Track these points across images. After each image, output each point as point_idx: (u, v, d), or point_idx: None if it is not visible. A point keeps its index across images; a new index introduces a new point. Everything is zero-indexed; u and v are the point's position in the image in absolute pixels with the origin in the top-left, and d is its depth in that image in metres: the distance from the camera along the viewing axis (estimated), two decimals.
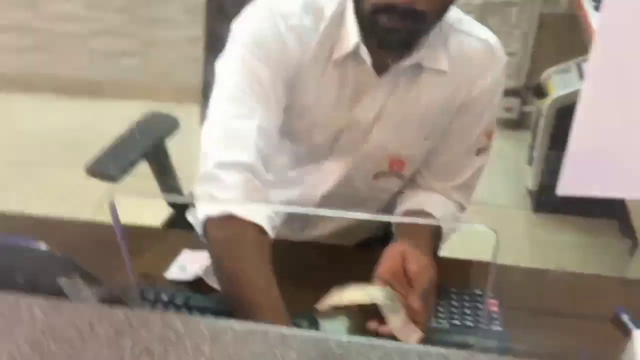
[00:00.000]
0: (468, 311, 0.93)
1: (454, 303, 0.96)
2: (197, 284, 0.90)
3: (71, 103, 2.71)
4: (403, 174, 1.01)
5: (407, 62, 0.88)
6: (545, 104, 1.94)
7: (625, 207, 1.89)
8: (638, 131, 0.32)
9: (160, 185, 1.28)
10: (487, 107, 0.95)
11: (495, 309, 0.93)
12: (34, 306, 0.48)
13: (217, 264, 0.83)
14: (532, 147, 2.11)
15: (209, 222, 0.81)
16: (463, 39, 0.92)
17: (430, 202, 0.99)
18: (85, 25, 2.64)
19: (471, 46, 0.92)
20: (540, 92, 2.01)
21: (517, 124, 2.45)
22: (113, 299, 0.48)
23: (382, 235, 1.12)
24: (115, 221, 0.49)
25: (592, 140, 0.33)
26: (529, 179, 2.15)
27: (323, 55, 0.89)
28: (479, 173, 1.01)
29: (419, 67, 0.90)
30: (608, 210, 2.06)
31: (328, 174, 1.01)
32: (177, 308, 0.87)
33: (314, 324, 0.76)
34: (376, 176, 1.01)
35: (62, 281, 0.50)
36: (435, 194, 1.02)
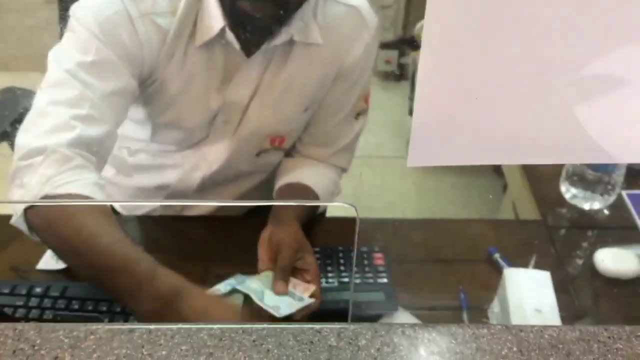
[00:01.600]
0: (356, 268, 0.96)
1: (342, 261, 0.98)
2: (73, 272, 0.84)
3: None
4: (283, 147, 1.01)
5: (278, 40, 0.85)
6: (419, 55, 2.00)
7: None
8: (475, 99, 0.33)
9: None
10: (362, 73, 0.95)
11: (380, 262, 0.96)
12: None
13: (59, 248, 0.73)
14: (410, 99, 2.19)
15: (29, 212, 0.70)
16: (332, 7, 0.90)
17: (309, 174, 1.00)
18: None
19: (341, 14, 0.91)
20: (414, 44, 2.07)
21: (396, 76, 2.52)
22: None
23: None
24: None
25: (433, 112, 0.33)
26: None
27: (183, 40, 0.83)
28: (358, 135, 1.03)
29: (290, 42, 0.88)
30: None
31: (208, 156, 0.98)
32: (54, 300, 0.82)
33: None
34: (258, 154, 1.00)
35: None
36: (314, 162, 1.02)
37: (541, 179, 1.14)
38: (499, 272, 0.90)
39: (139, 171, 1.02)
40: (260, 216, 1.09)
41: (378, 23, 0.95)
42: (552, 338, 0.43)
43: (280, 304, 0.73)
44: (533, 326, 0.43)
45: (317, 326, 0.44)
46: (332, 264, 0.97)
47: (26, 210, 0.70)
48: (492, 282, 0.89)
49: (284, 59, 0.89)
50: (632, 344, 0.42)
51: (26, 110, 1.11)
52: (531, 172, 1.17)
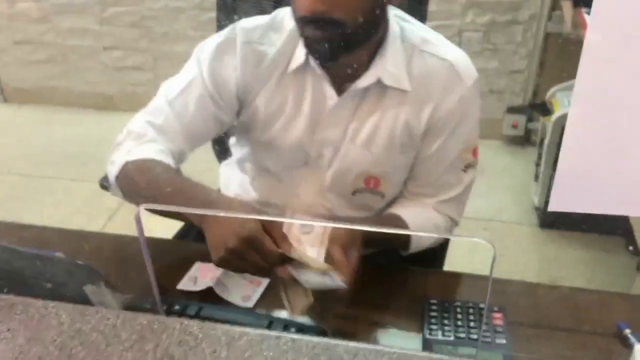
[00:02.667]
0: (472, 324, 0.95)
1: (459, 316, 0.97)
2: (207, 296, 0.92)
3: (83, 116, 2.76)
4: (380, 191, 1.04)
5: (364, 81, 0.93)
6: (550, 121, 1.97)
7: (629, 224, 1.90)
8: (622, 151, 0.35)
9: None
10: (460, 125, 0.97)
11: (499, 322, 0.95)
12: (61, 312, 0.51)
13: (143, 195, 0.89)
14: (537, 164, 2.13)
15: (119, 180, 0.90)
16: (426, 59, 0.95)
17: (407, 209, 1.02)
18: (98, 39, 2.70)
19: (434, 66, 0.95)
20: (545, 109, 2.03)
21: (523, 140, 2.48)
22: (134, 307, 0.51)
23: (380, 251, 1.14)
24: (140, 232, 0.52)
25: (579, 159, 0.36)
26: (535, 195, 2.17)
27: (281, 67, 0.95)
28: (469, 188, 1.04)
29: (382, 87, 0.94)
30: (613, 227, 2.07)
31: (307, 185, 1.05)
32: (190, 318, 0.90)
33: None
34: (354, 193, 1.04)
35: (88, 288, 0.53)
36: (420, 205, 1.04)
37: None
38: (628, 348, 0.85)
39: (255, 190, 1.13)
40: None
41: (477, 78, 0.97)
42: None
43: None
44: None
45: (447, 358, 0.46)
46: (450, 318, 0.96)
47: (116, 179, 0.90)
48: (619, 358, 0.84)
49: (374, 102, 0.95)
50: None
51: None
52: None
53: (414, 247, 1.04)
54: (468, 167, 1.01)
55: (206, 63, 0.95)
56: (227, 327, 0.49)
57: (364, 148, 0.98)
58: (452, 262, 1.13)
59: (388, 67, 0.92)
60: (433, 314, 0.98)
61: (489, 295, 0.52)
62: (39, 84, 2.87)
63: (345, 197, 1.05)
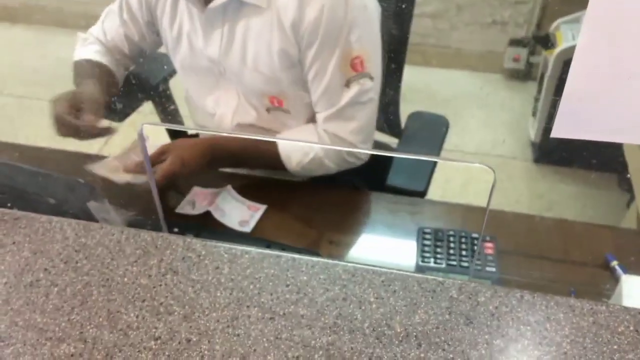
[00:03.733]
0: (464, 252, 0.97)
1: (452, 245, 1.00)
2: (205, 221, 0.94)
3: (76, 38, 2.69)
4: (286, 109, 1.06)
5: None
6: (553, 54, 1.94)
7: (624, 161, 1.92)
8: (630, 78, 0.35)
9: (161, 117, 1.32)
10: (328, 37, 0.94)
11: (490, 251, 0.97)
12: (66, 226, 0.52)
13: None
14: (537, 99, 2.12)
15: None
16: None
17: (289, 130, 1.08)
18: None
19: None
20: (548, 42, 2.00)
21: (524, 74, 2.44)
22: (137, 224, 0.51)
23: None
24: (144, 149, 0.52)
25: (586, 85, 0.35)
26: (532, 129, 2.17)
27: None
28: (357, 104, 1.02)
29: (239, 3, 0.94)
30: (607, 164, 2.09)
31: (224, 103, 1.09)
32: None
33: None
34: (268, 110, 1.07)
35: (91, 205, 0.53)
36: (309, 125, 1.06)
37: None
38: (615, 279, 0.88)
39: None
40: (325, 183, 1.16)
41: None
42: None
43: None
44: None
45: (440, 278, 0.48)
46: (442, 247, 0.99)
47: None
48: (606, 288, 0.87)
49: (235, 18, 0.96)
50: None
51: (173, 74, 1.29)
52: None
53: (293, 166, 1.07)
54: (350, 81, 0.98)
55: None
56: (229, 245, 0.50)
57: (249, 68, 1.00)
58: (449, 191, 1.15)
59: None
60: (426, 242, 1.01)
61: (486, 220, 0.53)
62: (28, 3, 2.78)
63: (263, 115, 1.08)
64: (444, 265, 0.94)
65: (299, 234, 0.86)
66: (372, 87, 1.02)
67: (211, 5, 0.96)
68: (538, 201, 2.02)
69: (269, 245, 0.87)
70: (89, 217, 0.54)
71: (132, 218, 0.63)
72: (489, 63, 2.37)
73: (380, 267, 0.48)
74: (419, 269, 0.91)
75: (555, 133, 0.39)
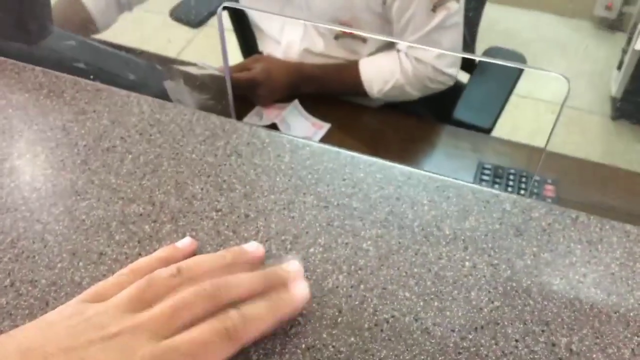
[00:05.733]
0: (523, 193, 0.96)
1: (510, 182, 0.99)
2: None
3: None
4: (357, 36, 1.06)
5: None
6: None
7: None
8: None
9: (237, 39, 1.33)
10: None
11: (550, 194, 0.96)
12: (142, 102, 0.55)
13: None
14: (624, 51, 2.00)
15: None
16: None
17: (372, 56, 1.06)
18: None
19: None
20: None
21: (614, 24, 2.29)
22: (208, 108, 0.54)
23: None
24: (221, 30, 0.54)
25: None
26: (614, 84, 2.06)
27: None
28: (441, 29, 1.01)
29: None
30: None
31: (290, 30, 1.08)
32: None
33: None
34: (336, 37, 1.06)
35: (168, 84, 0.56)
36: (390, 52, 1.06)
37: None
38: None
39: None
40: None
41: None
42: None
43: None
44: None
45: (495, 191, 0.48)
46: (501, 184, 0.98)
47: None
48: None
49: None
50: None
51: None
52: None
53: (375, 92, 1.07)
54: (437, 5, 0.98)
55: None
56: (291, 137, 0.52)
57: None
58: (520, 102, 1.13)
59: None
60: (485, 177, 1.00)
61: (550, 136, 0.52)
62: None
63: (331, 42, 1.07)
64: None
65: None
66: (457, 10, 1.00)
67: None
68: (610, 158, 1.94)
69: None
70: (164, 97, 0.56)
71: (204, 102, 0.66)
72: (578, 8, 2.23)
73: (437, 173, 0.49)
74: None
75: None
